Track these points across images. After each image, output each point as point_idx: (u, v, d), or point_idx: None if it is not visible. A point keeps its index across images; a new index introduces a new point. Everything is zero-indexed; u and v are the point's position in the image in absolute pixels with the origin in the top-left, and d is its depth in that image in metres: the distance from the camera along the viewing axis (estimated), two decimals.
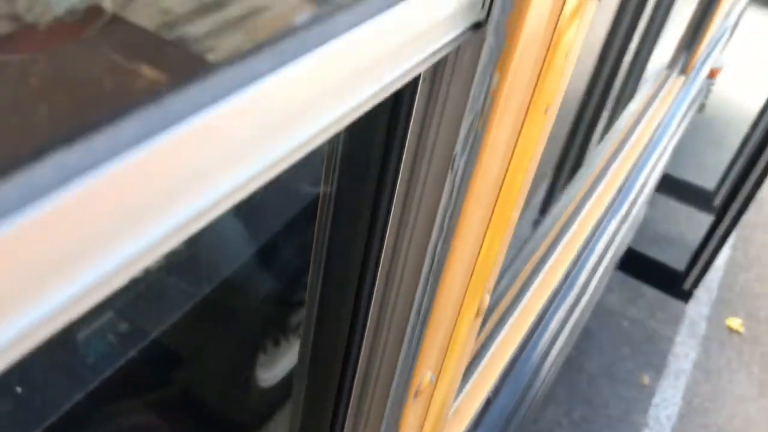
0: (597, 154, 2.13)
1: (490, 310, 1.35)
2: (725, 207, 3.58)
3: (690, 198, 4.64)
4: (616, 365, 3.98)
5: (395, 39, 0.42)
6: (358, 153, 0.63)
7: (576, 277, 1.93)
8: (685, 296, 3.88)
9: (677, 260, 3.85)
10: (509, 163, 0.64)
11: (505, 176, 0.66)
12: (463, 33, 0.47)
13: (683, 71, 2.28)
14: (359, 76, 0.42)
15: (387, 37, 0.42)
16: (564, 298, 1.87)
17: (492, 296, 0.94)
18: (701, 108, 3.94)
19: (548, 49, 0.56)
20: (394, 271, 0.71)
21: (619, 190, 2.05)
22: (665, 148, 2.40)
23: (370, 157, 0.61)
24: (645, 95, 2.24)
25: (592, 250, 2.02)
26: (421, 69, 0.46)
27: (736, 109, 5.65)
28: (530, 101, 0.60)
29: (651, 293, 4.19)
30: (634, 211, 2.39)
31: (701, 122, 4.93)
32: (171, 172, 0.33)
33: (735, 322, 4.41)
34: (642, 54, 2.55)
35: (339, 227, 0.71)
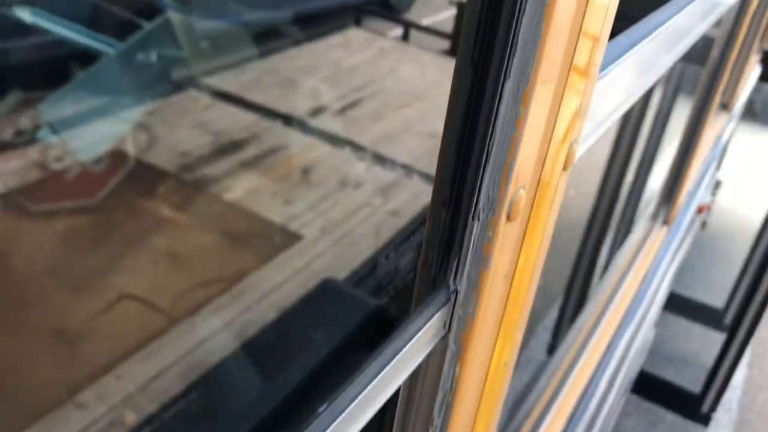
0: (599, 290, 2.21)
1: None
2: (736, 325, 3.58)
3: (700, 316, 4.62)
4: None
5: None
6: None
7: (587, 405, 1.94)
8: (704, 420, 3.78)
9: (693, 381, 3.79)
10: (477, 411, 0.75)
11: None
12: (434, 343, 0.67)
13: (665, 222, 2.40)
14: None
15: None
16: (576, 425, 1.87)
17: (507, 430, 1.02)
18: (703, 225, 4.03)
19: (502, 319, 0.69)
20: None
21: (622, 321, 2.10)
22: (656, 291, 2.47)
23: None
24: (633, 244, 2.36)
25: (600, 377, 2.03)
26: (408, 371, 0.62)
27: (740, 223, 5.75)
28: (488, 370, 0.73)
29: (670, 417, 4.08)
30: (640, 337, 2.42)
31: (705, 238, 5.01)
32: None
33: None
34: (630, 205, 2.70)
35: None
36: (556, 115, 0.55)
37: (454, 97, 0.51)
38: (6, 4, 2.75)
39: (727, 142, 3.89)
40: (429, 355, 0.67)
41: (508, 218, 0.58)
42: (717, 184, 4.18)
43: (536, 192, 0.61)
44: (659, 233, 2.40)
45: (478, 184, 0.55)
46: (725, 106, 2.65)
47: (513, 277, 0.67)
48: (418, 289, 0.66)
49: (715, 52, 1.77)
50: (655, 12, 0.86)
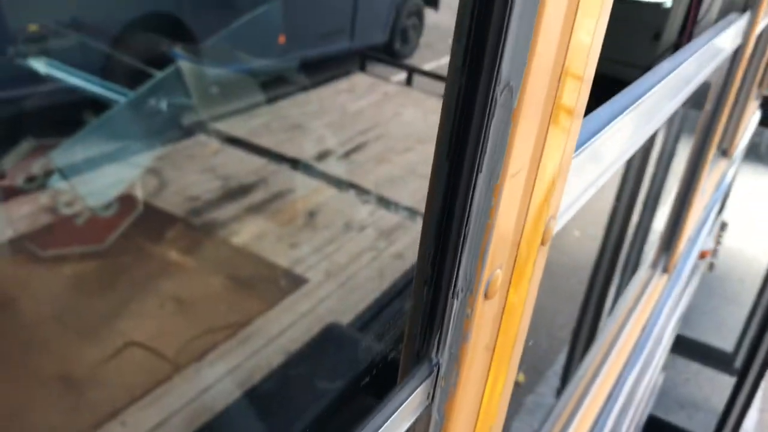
0: (602, 336, 2.22)
1: None
2: (746, 368, 3.54)
3: (710, 360, 4.58)
4: None
5: None
6: None
7: None
8: None
9: (704, 426, 3.74)
10: None
11: None
12: (419, 413, 0.69)
13: (665, 270, 2.40)
14: None
15: None
16: None
17: None
18: (710, 267, 4.02)
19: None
20: None
21: (625, 366, 2.10)
22: (660, 337, 2.45)
23: None
24: (634, 291, 2.36)
25: (605, 421, 2.02)
26: None
27: (748, 264, 5.72)
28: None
29: None
30: (645, 382, 2.41)
31: (713, 280, 4.99)
32: None
33: None
34: (636, 248, 2.70)
35: None
36: (530, 199, 0.59)
37: (432, 188, 0.54)
38: (22, 55, 2.84)
39: (730, 186, 3.91)
40: (414, 424, 0.69)
41: (486, 296, 0.61)
42: (722, 226, 4.17)
43: (513, 270, 0.64)
44: (659, 281, 2.40)
45: (457, 265, 0.58)
46: (725, 153, 2.67)
47: (494, 349, 0.70)
48: (404, 362, 0.69)
49: (710, 100, 1.79)
50: (634, 84, 0.89)
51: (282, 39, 4.41)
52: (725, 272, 5.32)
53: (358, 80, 4.24)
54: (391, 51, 5.42)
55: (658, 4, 2.81)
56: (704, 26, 1.54)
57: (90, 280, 2.27)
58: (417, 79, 4.25)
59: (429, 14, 5.08)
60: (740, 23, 1.49)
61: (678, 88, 1.07)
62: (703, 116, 1.83)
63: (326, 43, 4.86)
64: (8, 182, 2.46)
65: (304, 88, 3.80)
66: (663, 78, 0.96)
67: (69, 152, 2.58)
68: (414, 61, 4.84)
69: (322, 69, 4.43)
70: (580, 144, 0.72)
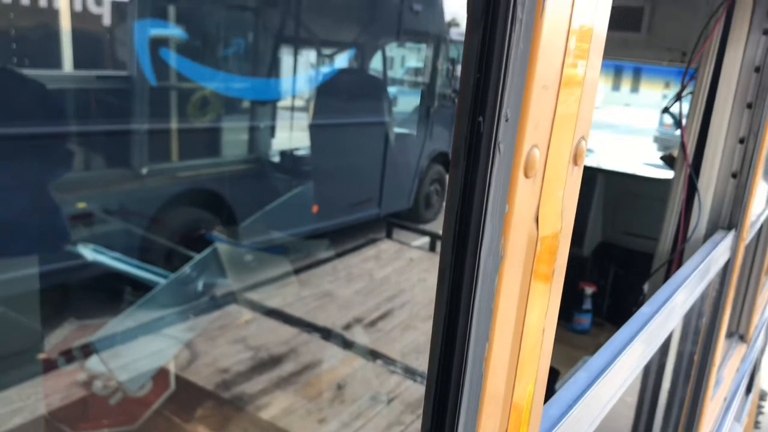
0: None
1: None
2: None
3: None
4: None
5: None
6: None
7: None
8: None
9: None
10: None
11: None
12: None
13: None
14: None
15: None
16: None
17: None
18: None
19: None
20: None
21: None
22: None
23: None
24: None
25: None
26: None
27: None
28: None
29: None
30: None
31: None
32: None
33: None
34: None
35: None
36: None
37: (430, 366, 0.58)
38: (71, 242, 3.07)
39: (758, 360, 3.69)
40: None
41: None
42: (763, 396, 3.97)
43: None
44: None
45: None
46: (742, 338, 2.60)
47: None
48: None
49: (707, 310, 1.77)
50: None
51: (315, 209, 4.66)
52: None
53: (385, 246, 4.40)
54: (416, 215, 5.66)
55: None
56: (693, 244, 1.63)
57: None
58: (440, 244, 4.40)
59: None
60: (727, 241, 1.59)
61: (675, 313, 1.14)
62: (709, 306, 1.82)
63: (356, 211, 5.11)
64: (48, 359, 2.56)
65: (336, 256, 3.95)
66: (666, 300, 1.03)
67: (108, 336, 2.69)
68: (437, 224, 5.01)
69: (352, 234, 4.63)
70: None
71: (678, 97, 1.67)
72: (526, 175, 0.44)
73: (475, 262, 0.45)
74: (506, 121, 0.42)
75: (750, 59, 1.47)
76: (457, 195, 0.45)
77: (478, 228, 0.45)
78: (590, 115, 0.52)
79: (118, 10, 3.40)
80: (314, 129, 4.67)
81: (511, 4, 0.40)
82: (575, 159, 0.50)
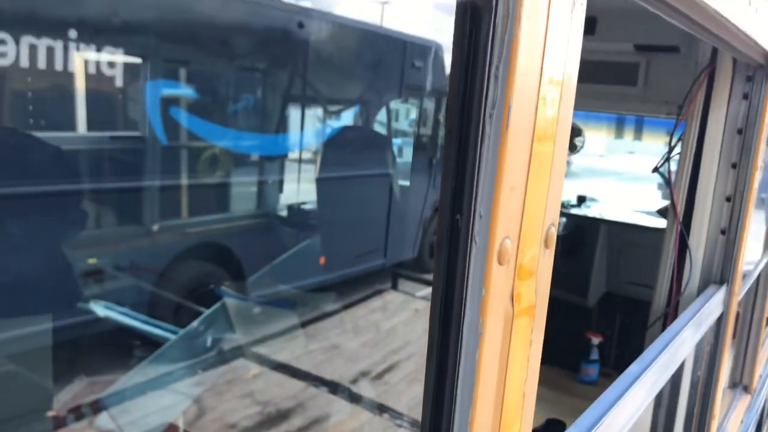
0: None
1: None
2: None
3: None
4: None
5: None
6: None
7: None
8: None
9: None
10: None
11: None
12: None
13: None
14: None
15: None
16: None
17: None
18: None
19: None
20: None
21: None
22: None
23: None
24: None
25: None
26: None
27: None
28: None
29: None
30: None
31: None
32: None
33: None
34: None
35: None
36: None
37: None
38: (82, 299, 3.12)
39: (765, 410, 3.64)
40: None
41: None
42: None
43: None
44: None
45: None
46: (746, 389, 2.59)
47: None
48: None
49: (704, 362, 1.79)
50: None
51: (322, 260, 4.73)
52: None
53: (390, 297, 4.43)
54: (421, 265, 5.72)
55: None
56: (688, 297, 1.68)
57: None
58: None
59: None
60: (719, 295, 1.63)
61: (668, 367, 1.18)
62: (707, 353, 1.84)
63: (362, 262, 5.17)
64: (57, 416, 2.58)
65: (342, 308, 3.99)
66: (658, 355, 1.08)
67: (117, 392, 2.72)
68: None
69: (358, 286, 4.68)
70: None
71: (667, 158, 1.75)
72: (500, 263, 0.51)
73: (458, 339, 0.52)
74: (480, 218, 0.49)
75: (732, 121, 1.55)
76: (440, 281, 0.52)
77: (460, 310, 0.51)
78: (559, 200, 0.59)
79: (130, 71, 3.53)
80: (321, 182, 4.77)
81: (481, 122, 0.47)
82: (546, 243, 0.57)
